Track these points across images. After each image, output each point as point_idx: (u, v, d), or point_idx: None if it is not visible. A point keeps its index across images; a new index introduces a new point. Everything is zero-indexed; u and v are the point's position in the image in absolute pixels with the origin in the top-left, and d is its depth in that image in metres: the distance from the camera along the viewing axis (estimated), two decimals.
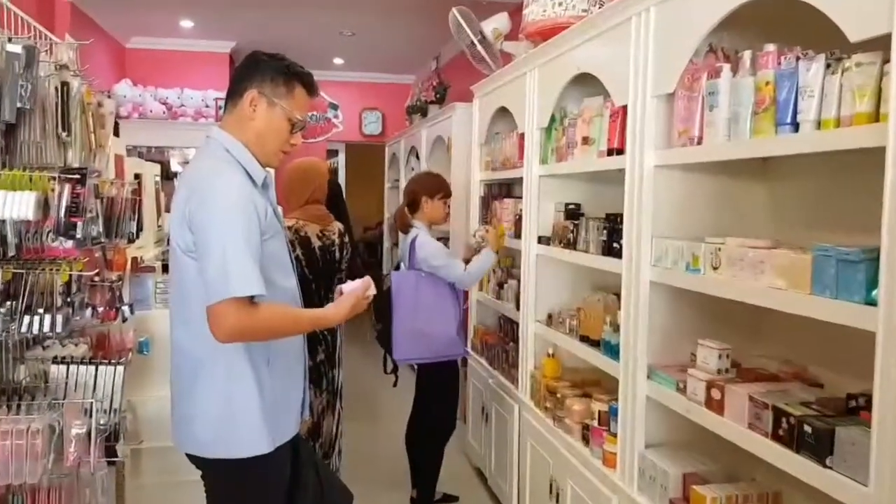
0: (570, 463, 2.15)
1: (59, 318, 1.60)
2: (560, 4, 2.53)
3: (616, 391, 1.92)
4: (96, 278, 1.86)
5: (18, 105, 1.54)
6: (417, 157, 5.30)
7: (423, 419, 2.96)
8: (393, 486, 3.16)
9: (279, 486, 1.62)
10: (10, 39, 1.59)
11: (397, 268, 3.07)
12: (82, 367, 1.74)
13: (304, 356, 1.73)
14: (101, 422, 1.67)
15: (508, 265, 3.23)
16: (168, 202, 3.29)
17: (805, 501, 1.48)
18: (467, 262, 2.86)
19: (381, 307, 2.81)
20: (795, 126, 1.32)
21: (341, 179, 8.24)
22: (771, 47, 1.41)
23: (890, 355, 1.05)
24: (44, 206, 1.58)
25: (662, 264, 1.71)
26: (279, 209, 1.74)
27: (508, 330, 3.12)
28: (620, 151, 1.96)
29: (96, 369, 1.75)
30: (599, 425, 2.01)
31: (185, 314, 1.54)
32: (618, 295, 1.96)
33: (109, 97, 4.01)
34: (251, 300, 1.42)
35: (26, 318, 1.57)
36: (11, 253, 1.64)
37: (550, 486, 2.31)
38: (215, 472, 1.57)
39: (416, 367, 3.02)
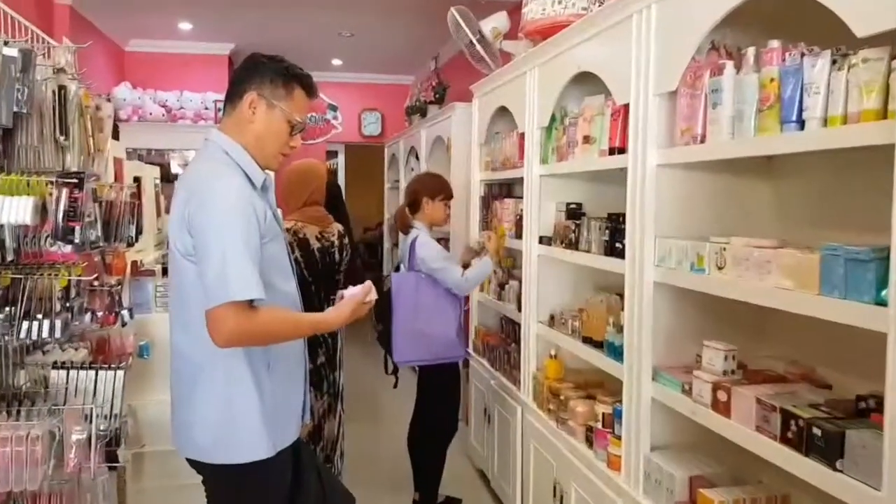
0: (574, 465, 2.14)
1: (58, 324, 1.59)
2: (560, 3, 2.52)
3: (620, 393, 1.91)
4: (95, 283, 1.85)
5: (15, 109, 1.53)
6: (417, 158, 5.29)
7: (424, 421, 2.95)
8: (395, 489, 3.15)
9: (280, 491, 1.60)
10: (6, 43, 1.58)
11: (397, 269, 3.06)
12: (82, 372, 1.73)
13: (304, 359, 1.72)
14: (102, 427, 1.66)
15: (510, 266, 3.22)
16: (168, 205, 3.27)
17: None
18: (466, 266, 2.85)
19: (382, 308, 2.79)
20: (801, 123, 1.30)
21: (341, 180, 8.22)
22: (775, 43, 1.40)
23: None
24: (42, 210, 1.56)
25: (666, 264, 1.69)
26: (279, 212, 1.73)
27: (510, 331, 3.10)
28: (622, 150, 1.94)
29: (96, 374, 1.74)
30: (603, 427, 2.00)
31: (184, 318, 1.53)
32: (620, 295, 1.95)
33: (109, 101, 4.01)
34: (250, 304, 1.41)
35: (25, 324, 1.55)
36: (10, 258, 1.62)
37: (554, 488, 2.29)
38: (216, 477, 1.55)
39: (416, 368, 3.01)
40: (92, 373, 1.74)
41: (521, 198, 2.80)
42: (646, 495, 1.75)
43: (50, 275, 1.61)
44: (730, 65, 1.50)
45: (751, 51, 1.46)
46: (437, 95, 5.16)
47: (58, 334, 1.60)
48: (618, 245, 1.95)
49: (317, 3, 4.64)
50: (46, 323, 1.58)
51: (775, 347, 1.73)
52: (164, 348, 1.72)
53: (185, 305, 1.52)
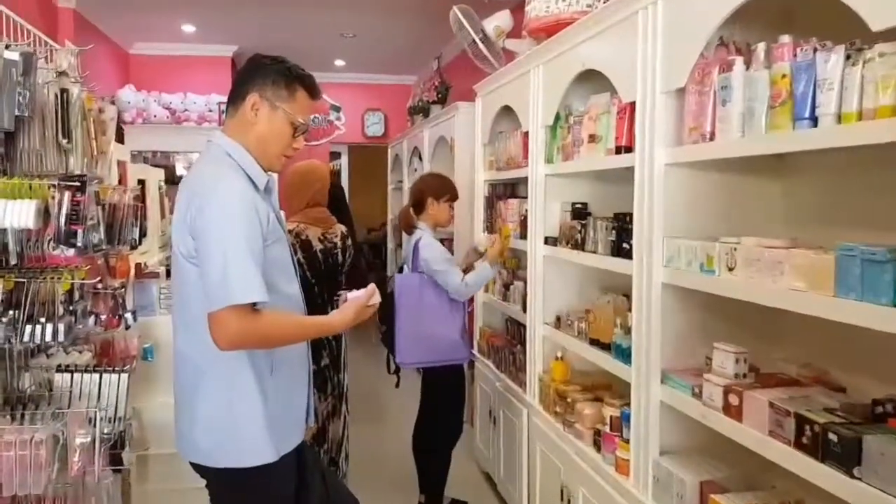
0: (582, 469, 2.11)
1: (61, 327, 1.58)
2: (563, 0, 2.49)
3: (628, 395, 1.88)
4: (99, 286, 1.84)
5: (17, 113, 1.52)
6: (420, 158, 5.27)
7: (429, 424, 2.93)
8: (400, 491, 3.13)
9: (284, 496, 1.59)
10: (7, 46, 1.56)
11: (401, 270, 3.04)
12: (86, 376, 1.72)
13: (308, 362, 1.70)
14: (105, 431, 1.64)
15: (514, 266, 3.19)
16: (173, 207, 3.26)
17: None
18: (470, 268, 2.83)
19: (385, 309, 2.78)
20: (814, 120, 1.27)
21: (344, 181, 8.21)
22: (786, 39, 1.37)
23: None
24: (44, 214, 1.55)
25: (675, 265, 1.67)
26: (282, 214, 1.71)
27: (515, 332, 3.08)
28: (629, 149, 1.92)
29: (100, 377, 1.73)
30: (611, 431, 1.97)
31: (186, 321, 1.51)
32: (627, 296, 1.92)
33: (113, 103, 4.00)
34: (253, 307, 1.39)
35: (28, 328, 1.54)
36: (13, 262, 1.61)
37: (561, 492, 2.27)
38: (219, 481, 1.54)
39: (420, 370, 2.99)
40: (96, 376, 1.73)
41: (526, 198, 2.78)
42: (655, 500, 1.72)
43: (53, 278, 1.60)
44: (739, 61, 1.47)
45: (761, 46, 1.44)
46: (439, 95, 5.15)
47: (61, 338, 1.58)
48: (625, 245, 1.93)
49: (319, 3, 4.63)
50: (50, 327, 1.57)
51: (787, 349, 1.70)
52: (169, 350, 1.70)
53: (187, 308, 1.50)
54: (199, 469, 1.55)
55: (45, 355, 1.80)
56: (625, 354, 1.91)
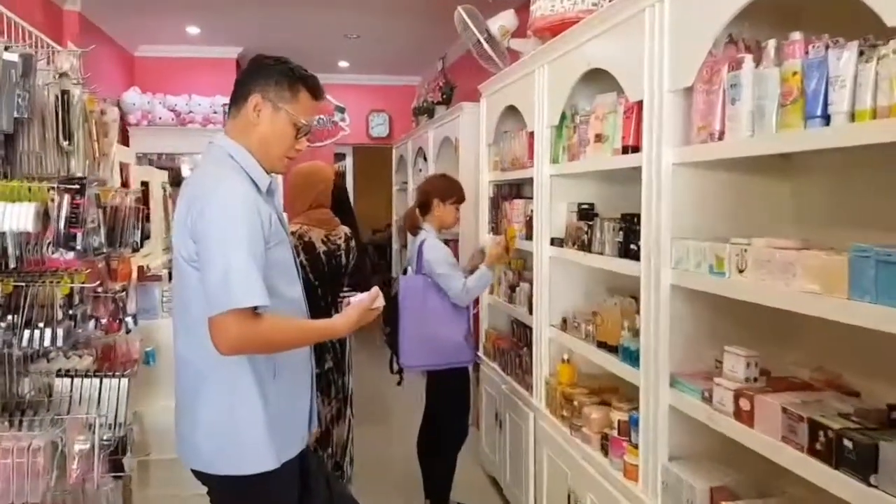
0: (589, 474, 2.08)
1: (60, 332, 1.56)
2: None
3: (636, 399, 1.85)
4: (99, 289, 1.82)
5: (16, 115, 1.50)
6: (425, 159, 5.25)
7: (433, 428, 2.90)
8: (405, 495, 3.10)
9: (287, 503, 1.56)
10: (6, 48, 1.55)
11: (405, 272, 3.01)
12: (86, 380, 1.70)
13: (310, 366, 1.68)
14: (105, 437, 1.62)
15: (520, 268, 3.16)
16: None
17: None
18: (473, 271, 2.80)
19: (390, 311, 2.76)
20: (826, 119, 1.24)
21: (349, 182, 8.19)
22: (797, 35, 1.34)
23: None
24: (44, 217, 1.53)
25: (683, 266, 1.63)
26: (284, 216, 1.69)
27: (521, 334, 3.05)
28: (636, 149, 1.89)
29: (100, 382, 1.71)
30: (619, 435, 1.94)
31: (187, 325, 1.49)
32: (635, 298, 1.89)
33: (118, 105, 3.98)
34: (254, 311, 1.37)
35: (27, 332, 1.52)
36: (12, 265, 1.59)
37: (569, 497, 2.24)
38: (220, 488, 1.52)
39: (425, 373, 2.96)
40: (96, 381, 1.71)
41: (531, 198, 2.75)
42: None
43: (52, 282, 1.58)
44: (749, 58, 1.44)
45: (771, 43, 1.41)
46: (444, 96, 5.13)
47: (60, 343, 1.57)
48: (632, 247, 1.90)
49: (323, 5, 4.62)
50: (48, 331, 1.55)
51: (798, 352, 1.67)
52: (171, 354, 1.68)
53: (188, 312, 1.48)
54: (201, 476, 1.53)
55: (45, 360, 1.79)
56: (633, 357, 1.88)
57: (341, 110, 7.02)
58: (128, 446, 1.83)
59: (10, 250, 1.55)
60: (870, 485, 1.10)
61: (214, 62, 5.91)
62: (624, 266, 1.94)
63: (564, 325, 2.47)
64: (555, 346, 2.57)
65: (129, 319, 1.94)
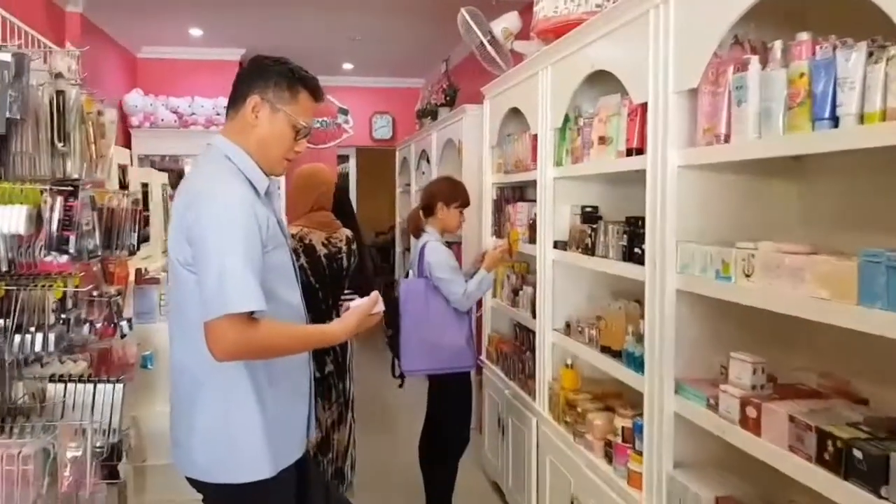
0: (593, 482, 2.05)
1: (52, 337, 1.53)
2: (573, 0, 2.44)
3: (640, 405, 1.82)
4: (94, 293, 1.80)
5: (7, 115, 1.48)
6: (428, 161, 5.23)
7: (435, 433, 2.87)
8: (407, 500, 3.07)
9: None
10: None
11: (407, 275, 2.99)
12: (80, 386, 1.67)
13: (309, 371, 1.65)
14: (98, 444, 1.59)
15: (523, 271, 3.13)
16: None
17: None
18: (473, 274, 2.77)
19: (392, 314, 2.73)
20: (835, 121, 1.21)
21: (352, 184, 8.17)
22: (804, 36, 1.31)
23: None
24: (37, 219, 1.51)
25: (689, 271, 1.60)
26: (283, 219, 1.66)
27: (524, 338, 3.02)
28: (640, 151, 1.86)
29: (94, 388, 1.68)
30: (623, 442, 1.91)
31: (183, 330, 1.47)
32: (640, 302, 1.86)
33: (121, 106, 3.96)
34: (251, 316, 1.35)
35: (17, 337, 1.50)
36: (4, 269, 1.57)
37: None
38: (215, 496, 1.49)
39: (427, 377, 2.93)
40: (90, 386, 1.68)
41: (535, 201, 2.72)
42: None
43: (44, 286, 1.56)
44: (755, 60, 1.41)
45: (778, 44, 1.38)
46: (447, 98, 5.10)
47: (51, 348, 1.54)
48: (637, 250, 1.87)
49: (327, 6, 4.60)
50: (40, 336, 1.52)
51: (805, 357, 1.63)
52: (168, 358, 1.66)
53: (184, 317, 1.46)
54: (196, 484, 1.50)
55: (39, 364, 1.76)
56: (637, 363, 1.85)
57: (345, 112, 7.01)
58: (123, 452, 1.80)
59: (2, 253, 1.52)
60: (881, 497, 1.06)
61: (217, 64, 5.90)
62: (628, 270, 1.91)
63: (568, 329, 2.44)
64: (558, 350, 2.54)
65: (123, 324, 1.92)
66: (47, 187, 1.56)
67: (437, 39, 5.21)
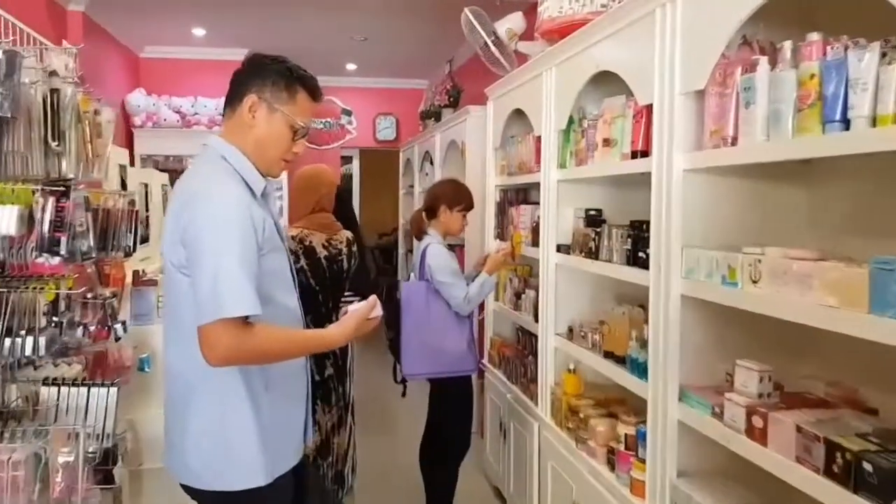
0: (595, 489, 2.01)
1: (42, 341, 1.50)
2: (577, 0, 2.41)
3: (643, 412, 1.78)
4: (88, 295, 1.77)
5: None
6: (431, 163, 5.20)
7: (436, 437, 2.84)
8: None
9: None
10: None
11: (408, 277, 2.96)
12: (73, 389, 1.65)
13: (306, 376, 1.62)
14: (91, 449, 1.56)
15: (526, 274, 3.10)
16: None
17: None
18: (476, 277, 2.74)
19: (393, 316, 2.70)
20: (846, 123, 1.18)
21: (356, 186, 8.16)
22: (815, 36, 1.27)
23: None
24: (29, 220, 1.48)
25: (695, 277, 1.57)
26: (281, 221, 1.63)
27: (527, 342, 2.98)
28: (645, 154, 1.83)
29: (88, 391, 1.65)
30: (626, 449, 1.87)
31: (177, 335, 1.44)
32: (644, 307, 1.83)
33: (123, 106, 3.93)
34: (245, 321, 1.32)
35: (7, 341, 1.47)
36: None
37: None
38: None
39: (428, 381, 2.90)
40: (84, 390, 1.66)
41: (538, 204, 2.69)
42: None
43: (35, 288, 1.53)
44: (764, 60, 1.38)
45: (787, 45, 1.34)
46: (451, 99, 5.07)
47: (41, 352, 1.51)
48: (641, 255, 1.84)
49: (331, 7, 4.58)
50: (30, 340, 1.50)
51: (812, 365, 1.60)
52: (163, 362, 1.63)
53: (178, 321, 1.43)
54: (190, 491, 1.47)
55: (32, 367, 1.73)
56: (641, 369, 1.82)
57: (348, 113, 6.99)
58: (119, 456, 1.77)
59: None
60: None
61: (220, 64, 5.86)
62: (632, 275, 1.87)
63: (570, 333, 2.41)
64: (560, 355, 2.50)
65: (118, 326, 1.89)
66: (39, 187, 1.53)
67: (441, 40, 5.19)
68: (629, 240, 1.92)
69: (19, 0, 2.45)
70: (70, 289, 1.61)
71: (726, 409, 1.44)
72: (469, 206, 2.82)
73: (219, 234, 1.35)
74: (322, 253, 2.57)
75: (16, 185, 1.48)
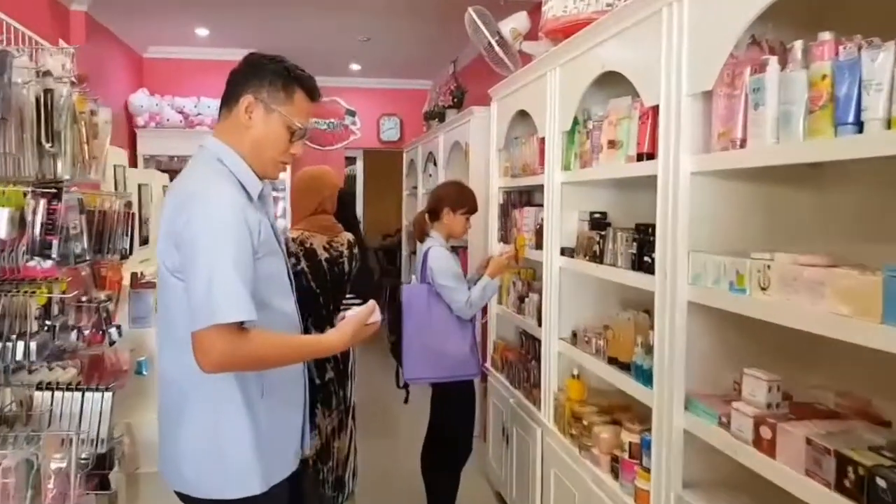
0: (599, 497, 1.97)
1: (33, 345, 1.48)
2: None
3: (648, 419, 1.75)
4: (83, 298, 1.74)
5: None
6: (435, 164, 5.17)
7: (437, 442, 2.81)
8: None
9: None
10: None
11: (410, 280, 2.93)
12: (67, 394, 1.62)
13: (304, 380, 1.59)
14: (84, 455, 1.54)
15: (530, 278, 3.06)
16: None
17: None
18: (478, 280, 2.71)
19: (395, 319, 2.67)
20: (859, 126, 1.14)
21: (359, 186, 8.13)
22: (827, 36, 1.23)
23: None
24: (20, 222, 1.45)
25: (701, 282, 1.53)
26: (277, 224, 1.60)
27: (530, 347, 2.94)
28: (651, 156, 1.79)
29: (82, 396, 1.62)
30: (630, 458, 1.83)
31: (171, 340, 1.41)
32: (649, 312, 1.79)
33: (126, 107, 3.91)
34: (240, 327, 1.29)
35: None
36: None
37: None
38: None
39: (430, 385, 2.87)
40: (78, 394, 1.63)
41: (542, 206, 2.65)
42: None
43: (27, 292, 1.50)
44: (773, 60, 1.34)
45: (798, 44, 1.30)
46: (455, 100, 5.04)
47: (33, 357, 1.48)
48: (646, 259, 1.80)
49: (334, 7, 4.55)
50: (21, 344, 1.47)
51: (822, 375, 1.55)
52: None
53: (172, 326, 1.40)
54: (184, 498, 1.44)
55: (27, 371, 1.71)
56: (646, 376, 1.78)
57: (352, 114, 6.97)
58: (115, 461, 1.75)
59: None
60: None
61: (224, 64, 5.80)
62: (637, 280, 1.84)
63: (574, 338, 2.37)
64: (564, 360, 2.47)
65: (112, 330, 1.86)
66: (30, 189, 1.50)
67: (445, 40, 5.16)
68: (634, 244, 1.89)
69: (21, 0, 2.42)
70: (63, 292, 1.58)
71: (733, 418, 1.40)
72: (472, 209, 2.79)
73: (213, 239, 1.32)
74: (323, 255, 2.54)
75: (7, 187, 1.45)
